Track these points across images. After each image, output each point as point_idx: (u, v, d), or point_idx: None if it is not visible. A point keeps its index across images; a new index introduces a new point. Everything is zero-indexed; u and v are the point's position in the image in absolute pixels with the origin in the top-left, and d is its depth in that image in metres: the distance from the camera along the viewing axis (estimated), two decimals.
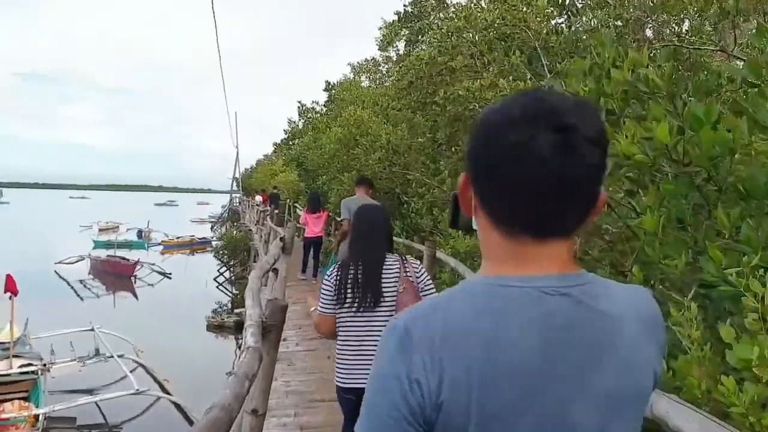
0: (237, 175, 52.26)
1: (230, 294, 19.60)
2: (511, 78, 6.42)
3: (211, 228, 47.02)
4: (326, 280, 3.15)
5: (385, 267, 3.14)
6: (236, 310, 14.87)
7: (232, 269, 22.94)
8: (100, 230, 45.10)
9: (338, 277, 3.10)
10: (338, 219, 16.77)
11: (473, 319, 0.88)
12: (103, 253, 27.17)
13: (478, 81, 6.49)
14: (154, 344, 12.88)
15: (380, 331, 2.69)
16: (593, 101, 2.62)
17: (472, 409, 0.85)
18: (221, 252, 23.69)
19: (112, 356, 9.80)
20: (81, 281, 23.09)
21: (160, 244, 36.86)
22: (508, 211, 0.92)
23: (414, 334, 0.88)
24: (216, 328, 14.49)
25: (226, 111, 52.47)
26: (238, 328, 14.07)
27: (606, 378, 0.90)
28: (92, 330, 11.07)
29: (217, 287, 21.31)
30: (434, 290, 3.26)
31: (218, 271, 23.46)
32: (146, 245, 37.01)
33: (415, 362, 0.86)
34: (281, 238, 6.57)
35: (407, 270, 3.17)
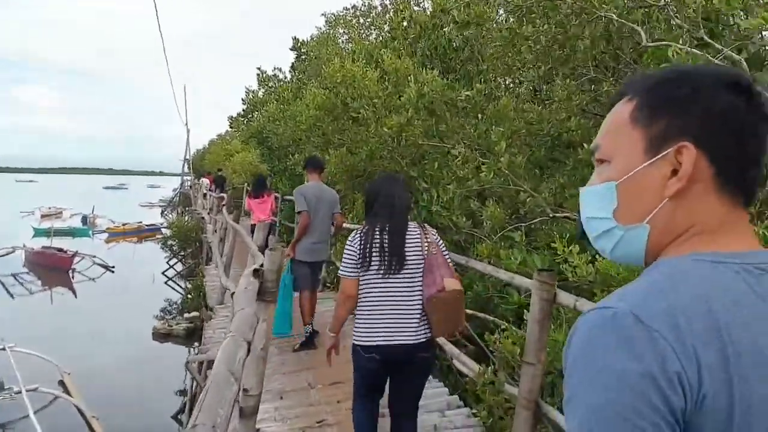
0: (188, 157, 49.12)
1: (181, 291, 17.42)
2: None
3: (162, 213, 44.33)
4: (350, 244, 3.19)
5: (407, 233, 3.20)
6: (186, 315, 12.82)
7: (183, 261, 20.71)
8: (43, 216, 42.41)
9: (362, 243, 3.16)
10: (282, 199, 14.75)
11: (710, 299, 0.76)
12: (42, 242, 24.59)
13: None
14: (87, 361, 10.84)
15: (401, 292, 3.14)
16: None
17: (735, 403, 0.72)
18: (170, 242, 21.33)
19: (20, 391, 7.60)
20: (14, 275, 20.62)
21: (105, 231, 34.21)
22: (741, 174, 0.84)
23: (650, 320, 0.74)
24: (163, 336, 12.35)
25: (170, 82, 48.83)
26: (189, 336, 12.10)
27: None
28: (4, 350, 8.86)
29: (166, 282, 19.11)
30: (450, 259, 3.32)
31: (167, 263, 21.20)
32: (91, 232, 34.54)
33: (665, 352, 0.71)
34: (256, 271, 3.19)
35: (427, 236, 3.24)
